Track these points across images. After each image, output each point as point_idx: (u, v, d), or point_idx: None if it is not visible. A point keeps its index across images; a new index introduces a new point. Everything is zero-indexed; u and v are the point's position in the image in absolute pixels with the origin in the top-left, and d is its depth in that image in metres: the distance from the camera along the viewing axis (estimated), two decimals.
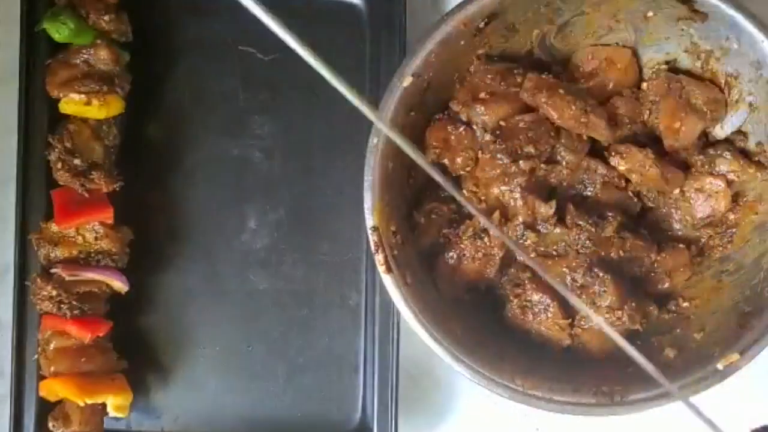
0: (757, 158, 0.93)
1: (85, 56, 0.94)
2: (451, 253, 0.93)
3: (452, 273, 0.94)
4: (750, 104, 0.92)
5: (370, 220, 0.87)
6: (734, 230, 0.95)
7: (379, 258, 0.87)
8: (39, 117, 0.96)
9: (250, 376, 1.00)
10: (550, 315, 0.91)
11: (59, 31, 0.92)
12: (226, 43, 1.02)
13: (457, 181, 0.95)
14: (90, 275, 0.95)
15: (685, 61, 0.95)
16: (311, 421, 1.00)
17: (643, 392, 0.85)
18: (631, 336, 0.89)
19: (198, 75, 1.02)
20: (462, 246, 0.92)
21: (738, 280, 0.92)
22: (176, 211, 1.00)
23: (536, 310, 0.92)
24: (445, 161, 0.93)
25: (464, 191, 0.94)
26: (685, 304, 0.94)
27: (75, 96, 0.93)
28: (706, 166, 0.93)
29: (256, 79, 1.01)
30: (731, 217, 0.94)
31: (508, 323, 0.95)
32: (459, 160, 0.93)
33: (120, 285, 0.97)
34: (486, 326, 0.94)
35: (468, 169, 0.94)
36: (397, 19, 0.97)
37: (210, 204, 1.01)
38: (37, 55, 0.96)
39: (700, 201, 0.93)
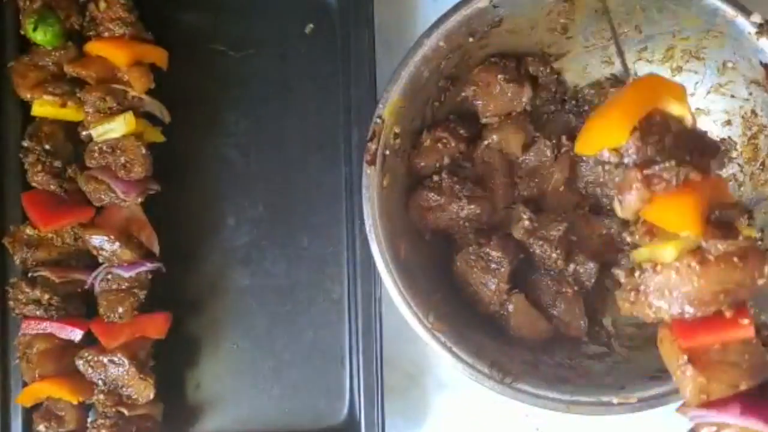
0: None
1: (55, 58, 0.94)
2: (432, 195, 0.94)
3: (425, 212, 0.94)
4: None
5: (380, 109, 0.88)
6: None
7: (370, 147, 0.88)
8: (12, 120, 0.96)
9: (237, 373, 1.00)
10: (497, 274, 0.92)
11: (46, 32, 0.91)
12: (196, 41, 1.02)
13: (479, 130, 0.97)
14: (77, 275, 0.95)
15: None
16: (299, 415, 1.01)
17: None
18: None
19: (170, 73, 1.01)
20: (448, 200, 0.93)
21: None
22: (153, 210, 0.99)
23: (487, 265, 0.93)
24: (479, 103, 0.95)
25: (485, 141, 0.96)
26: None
27: (49, 98, 0.93)
28: None
29: (229, 76, 1.01)
30: None
31: (455, 271, 0.95)
32: (492, 107, 0.94)
33: None
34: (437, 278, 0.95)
35: (495, 121, 0.95)
36: (365, 12, 0.98)
37: (187, 202, 1.01)
38: (6, 57, 0.96)
39: None
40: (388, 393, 0.98)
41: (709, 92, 0.95)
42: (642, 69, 0.98)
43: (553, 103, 0.99)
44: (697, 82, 0.96)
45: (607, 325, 0.96)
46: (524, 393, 0.86)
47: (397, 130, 0.89)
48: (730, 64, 0.92)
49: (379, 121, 0.88)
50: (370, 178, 0.88)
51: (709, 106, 0.96)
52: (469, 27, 0.89)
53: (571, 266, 0.95)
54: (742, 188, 0.95)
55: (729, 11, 0.85)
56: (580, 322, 0.94)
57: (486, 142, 0.96)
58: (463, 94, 0.96)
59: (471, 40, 0.90)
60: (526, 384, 0.86)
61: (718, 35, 0.89)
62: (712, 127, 0.96)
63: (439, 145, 0.94)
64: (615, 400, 0.85)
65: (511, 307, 0.93)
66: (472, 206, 0.93)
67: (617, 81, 0.99)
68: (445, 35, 0.87)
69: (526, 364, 0.89)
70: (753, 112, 0.93)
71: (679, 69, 0.96)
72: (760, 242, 0.87)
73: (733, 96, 0.94)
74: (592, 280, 0.95)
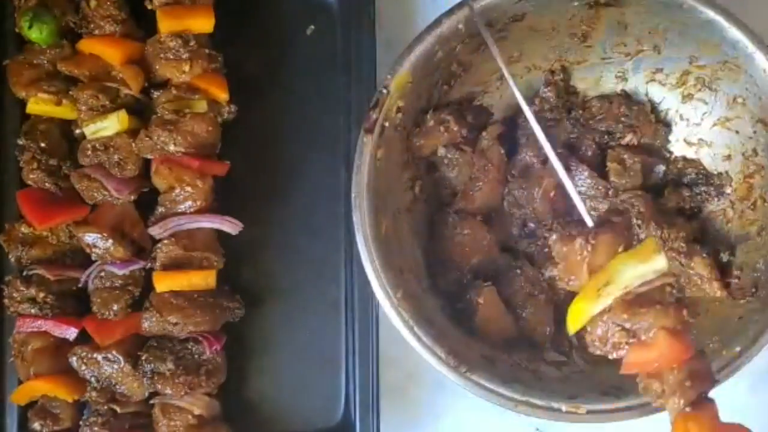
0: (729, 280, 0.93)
1: (50, 56, 0.94)
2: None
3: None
4: None
5: (388, 80, 0.87)
6: None
7: (371, 115, 0.87)
8: (10, 118, 0.96)
9: (233, 373, 0.99)
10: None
11: (41, 30, 0.91)
12: None
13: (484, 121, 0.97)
14: (72, 274, 0.95)
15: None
16: (295, 416, 1.01)
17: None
18: None
19: None
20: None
21: None
22: (146, 208, 0.99)
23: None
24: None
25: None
26: None
27: (44, 96, 0.93)
28: None
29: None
30: None
31: (436, 222, 0.96)
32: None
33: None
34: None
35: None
36: (366, 14, 0.97)
37: None
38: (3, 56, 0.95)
39: None
40: (388, 393, 0.98)
41: (714, 125, 0.95)
42: (654, 91, 0.98)
43: (558, 111, 0.98)
44: (705, 113, 0.96)
45: (572, 337, 0.96)
46: (477, 385, 0.86)
47: (400, 104, 0.88)
48: (740, 100, 0.91)
49: (384, 91, 0.87)
50: (365, 146, 0.87)
51: (713, 139, 0.96)
52: (490, 15, 0.87)
53: (548, 272, 0.96)
54: (729, 224, 0.96)
55: (749, 45, 0.85)
56: (546, 327, 0.95)
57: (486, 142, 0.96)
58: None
59: (490, 28, 0.88)
60: (480, 377, 0.86)
61: (734, 68, 0.89)
62: (712, 159, 0.96)
63: (442, 127, 0.94)
64: (564, 408, 0.85)
65: (480, 299, 0.93)
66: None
67: (626, 97, 0.99)
68: (466, 19, 0.86)
69: (483, 358, 0.89)
70: (754, 151, 0.92)
71: (690, 96, 0.96)
72: (737, 280, 0.90)
73: (737, 132, 0.93)
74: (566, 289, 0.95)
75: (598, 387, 0.87)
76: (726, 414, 0.93)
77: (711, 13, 0.85)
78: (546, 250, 0.96)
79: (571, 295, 0.95)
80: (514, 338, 0.94)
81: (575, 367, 0.93)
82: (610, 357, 0.72)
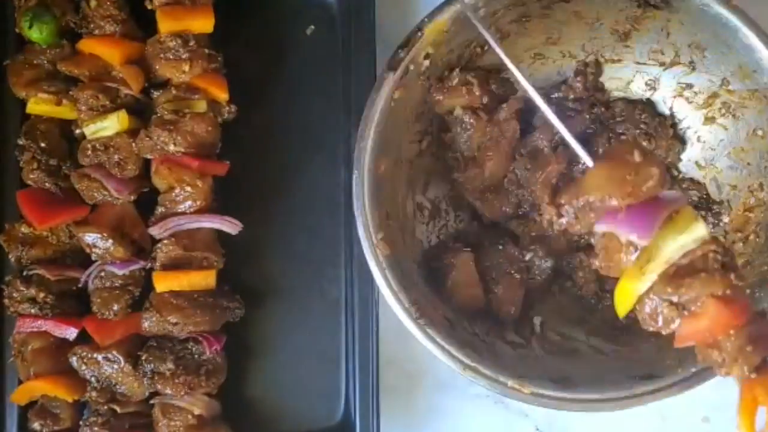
0: None
1: (50, 56, 0.94)
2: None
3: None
4: None
5: (425, 23, 0.86)
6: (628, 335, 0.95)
7: (399, 53, 0.86)
8: (11, 118, 0.96)
9: (233, 373, 0.99)
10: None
11: (41, 30, 0.91)
12: None
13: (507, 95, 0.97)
14: (72, 274, 0.95)
15: None
16: (295, 416, 1.00)
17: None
18: None
19: None
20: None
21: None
22: (147, 208, 0.99)
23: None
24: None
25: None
26: None
27: (44, 96, 0.93)
28: None
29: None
30: (637, 325, 0.94)
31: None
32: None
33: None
34: None
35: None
36: (366, 14, 0.97)
37: None
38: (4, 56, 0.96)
39: None
40: (388, 393, 0.98)
41: (729, 153, 0.95)
42: (679, 107, 0.98)
43: (582, 103, 0.98)
44: (722, 140, 0.95)
45: (536, 324, 0.97)
46: (429, 338, 0.86)
47: (430, 50, 0.88)
48: (760, 132, 0.91)
49: (419, 34, 0.86)
50: (385, 82, 0.86)
51: (723, 167, 0.96)
52: None
53: (529, 255, 0.97)
54: None
55: None
56: (512, 308, 0.96)
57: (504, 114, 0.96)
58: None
59: (537, 1, 0.89)
60: (436, 334, 0.87)
61: (762, 99, 0.89)
62: (717, 186, 0.97)
63: (465, 89, 0.93)
64: (509, 383, 0.86)
65: (456, 262, 0.94)
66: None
67: (650, 106, 0.99)
68: None
69: (445, 319, 0.90)
70: (761, 185, 0.92)
71: (712, 120, 0.96)
72: None
73: (749, 164, 0.93)
74: (543, 276, 0.98)
75: (549, 374, 0.87)
76: (727, 412, 0.93)
77: (754, 38, 0.84)
78: (533, 234, 0.97)
79: (544, 282, 0.98)
80: (480, 311, 0.95)
81: (531, 352, 0.94)
82: (663, 332, 0.70)
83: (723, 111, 0.94)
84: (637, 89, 0.99)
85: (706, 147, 0.97)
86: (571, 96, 0.98)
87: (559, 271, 0.99)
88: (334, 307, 1.00)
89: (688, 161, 0.99)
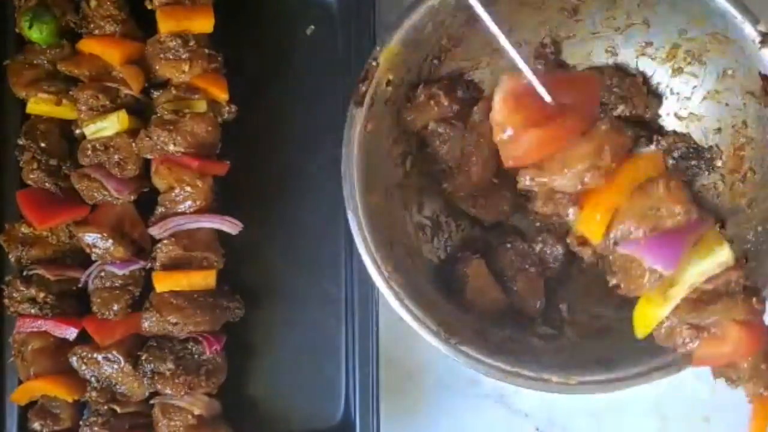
0: None
1: (49, 56, 0.94)
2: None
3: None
4: None
5: (377, 51, 0.87)
6: None
7: (360, 88, 0.87)
8: (11, 118, 0.97)
9: (233, 373, 0.99)
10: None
11: (41, 30, 0.91)
12: None
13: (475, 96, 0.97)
14: (72, 273, 0.95)
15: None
16: (295, 415, 1.00)
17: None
18: None
19: None
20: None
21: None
22: (146, 208, 0.99)
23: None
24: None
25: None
26: None
27: (44, 96, 0.93)
28: None
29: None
30: None
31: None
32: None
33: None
34: None
35: None
36: (366, 14, 0.97)
37: None
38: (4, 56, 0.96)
39: None
40: (388, 393, 0.98)
41: (704, 98, 0.95)
42: (644, 65, 0.98)
43: None
44: (695, 86, 0.96)
45: (563, 310, 0.97)
46: (467, 356, 0.86)
47: (390, 77, 0.88)
48: (729, 72, 0.91)
49: (374, 63, 0.87)
50: (355, 119, 0.87)
51: (703, 113, 0.96)
52: None
53: (539, 246, 0.97)
54: (719, 198, 0.96)
55: (738, 17, 0.85)
56: (537, 301, 0.96)
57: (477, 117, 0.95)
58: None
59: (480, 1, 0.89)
60: (471, 348, 0.86)
61: (723, 40, 0.89)
62: (702, 133, 0.96)
63: (432, 102, 0.94)
64: (555, 379, 0.85)
65: (469, 271, 0.94)
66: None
67: (618, 69, 0.99)
68: None
69: (475, 331, 0.90)
70: (744, 123, 0.92)
71: (680, 70, 0.96)
72: None
73: (727, 104, 0.93)
74: (557, 263, 0.97)
75: (590, 359, 0.87)
76: (727, 413, 0.94)
77: None
78: (537, 224, 0.98)
79: (561, 267, 0.98)
80: (505, 312, 0.95)
81: (566, 340, 0.94)
82: (680, 351, 0.71)
83: (688, 59, 0.94)
84: (599, 58, 0.99)
85: (681, 98, 0.97)
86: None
87: (573, 253, 0.97)
88: (334, 307, 1.00)
89: (667, 115, 0.99)
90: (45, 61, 0.94)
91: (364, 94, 0.87)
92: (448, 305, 0.92)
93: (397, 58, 0.88)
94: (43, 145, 0.94)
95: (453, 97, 0.94)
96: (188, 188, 0.92)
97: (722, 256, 0.68)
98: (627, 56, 0.98)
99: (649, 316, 0.71)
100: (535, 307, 0.95)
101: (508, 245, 0.97)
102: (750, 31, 0.85)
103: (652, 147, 0.95)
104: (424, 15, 0.87)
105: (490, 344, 0.88)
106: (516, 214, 0.99)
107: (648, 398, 1.04)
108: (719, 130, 0.95)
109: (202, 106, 0.93)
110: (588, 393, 0.86)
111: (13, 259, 0.95)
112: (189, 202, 0.93)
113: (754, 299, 0.68)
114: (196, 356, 0.94)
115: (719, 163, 0.96)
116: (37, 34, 0.91)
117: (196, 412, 0.93)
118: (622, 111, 0.97)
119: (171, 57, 0.92)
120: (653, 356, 0.85)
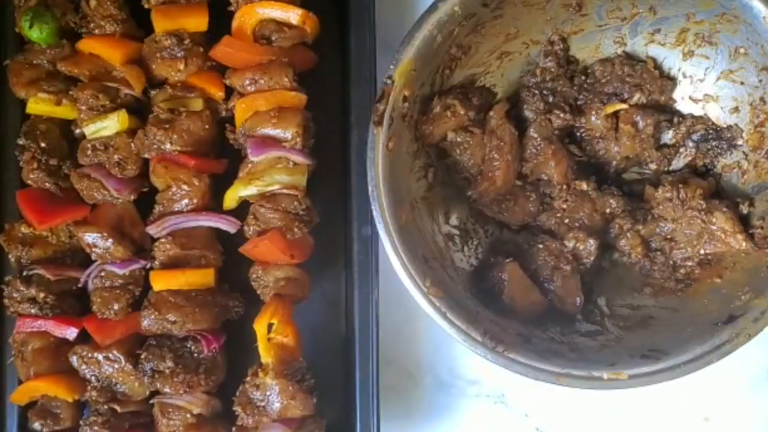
0: (752, 231, 0.92)
1: (49, 56, 0.94)
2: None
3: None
4: None
5: (391, 70, 0.87)
6: (692, 284, 0.95)
7: (378, 108, 0.87)
8: (11, 118, 0.97)
9: (232, 372, 0.99)
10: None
11: (41, 30, 0.92)
12: None
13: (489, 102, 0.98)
14: (72, 273, 0.96)
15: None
16: None
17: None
18: None
19: None
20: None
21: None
22: (146, 207, 0.99)
23: None
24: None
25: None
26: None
27: (43, 96, 0.94)
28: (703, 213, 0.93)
29: None
30: (696, 271, 0.95)
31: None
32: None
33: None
34: None
35: None
36: (366, 14, 0.97)
37: None
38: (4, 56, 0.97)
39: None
40: (388, 393, 0.97)
41: (719, 78, 0.95)
42: (654, 52, 0.98)
43: (562, 79, 0.99)
44: (708, 68, 0.95)
45: (602, 305, 0.97)
46: (516, 363, 0.86)
47: (406, 93, 0.89)
48: (742, 50, 0.91)
49: (389, 82, 0.87)
50: (377, 139, 0.87)
51: (718, 93, 0.96)
52: None
53: (571, 243, 0.95)
54: (745, 176, 0.95)
55: None
56: (576, 298, 0.95)
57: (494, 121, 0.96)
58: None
59: (485, 8, 0.90)
60: (518, 354, 0.86)
61: (732, 19, 0.88)
62: (720, 113, 0.96)
63: (449, 112, 0.94)
64: (605, 376, 0.85)
65: (504, 276, 0.93)
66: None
67: (629, 58, 0.99)
68: (461, 1, 0.87)
69: (519, 336, 0.89)
70: (762, 99, 0.91)
71: (691, 53, 0.96)
72: (760, 230, 0.89)
73: (742, 83, 0.93)
74: (591, 258, 0.96)
75: (636, 352, 0.87)
76: (726, 414, 0.93)
77: None
78: (566, 221, 0.97)
79: (595, 262, 0.97)
80: (546, 312, 0.95)
81: (610, 335, 0.93)
82: None
83: (698, 42, 0.94)
84: (608, 50, 0.99)
85: (694, 81, 0.97)
86: (548, 77, 0.98)
87: (604, 247, 0.97)
88: (335, 307, 1.00)
89: (682, 99, 0.98)
90: (45, 61, 0.95)
91: (383, 114, 0.88)
92: (488, 313, 0.91)
93: (411, 74, 0.88)
94: (43, 145, 0.94)
95: (468, 105, 0.95)
96: (185, 187, 0.92)
97: None
98: (636, 45, 0.98)
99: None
100: (574, 305, 0.95)
101: (540, 245, 0.96)
102: (759, 7, 0.84)
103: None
104: (434, 28, 0.88)
105: (535, 347, 0.88)
106: (543, 214, 0.99)
107: (648, 398, 1.03)
108: (737, 109, 0.94)
109: (198, 104, 0.94)
110: (640, 386, 0.85)
111: (13, 259, 0.95)
112: (186, 201, 0.93)
113: None
114: (195, 354, 0.93)
115: (740, 142, 0.95)
116: (37, 34, 0.92)
117: (196, 411, 0.92)
118: (639, 99, 0.97)
119: (166, 56, 0.92)
120: (702, 342, 0.84)
